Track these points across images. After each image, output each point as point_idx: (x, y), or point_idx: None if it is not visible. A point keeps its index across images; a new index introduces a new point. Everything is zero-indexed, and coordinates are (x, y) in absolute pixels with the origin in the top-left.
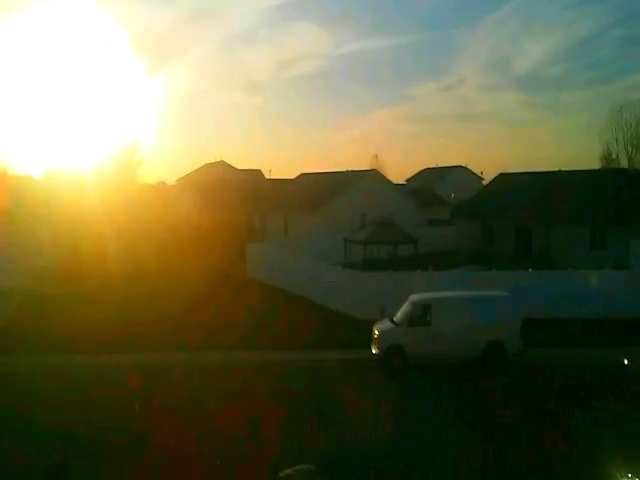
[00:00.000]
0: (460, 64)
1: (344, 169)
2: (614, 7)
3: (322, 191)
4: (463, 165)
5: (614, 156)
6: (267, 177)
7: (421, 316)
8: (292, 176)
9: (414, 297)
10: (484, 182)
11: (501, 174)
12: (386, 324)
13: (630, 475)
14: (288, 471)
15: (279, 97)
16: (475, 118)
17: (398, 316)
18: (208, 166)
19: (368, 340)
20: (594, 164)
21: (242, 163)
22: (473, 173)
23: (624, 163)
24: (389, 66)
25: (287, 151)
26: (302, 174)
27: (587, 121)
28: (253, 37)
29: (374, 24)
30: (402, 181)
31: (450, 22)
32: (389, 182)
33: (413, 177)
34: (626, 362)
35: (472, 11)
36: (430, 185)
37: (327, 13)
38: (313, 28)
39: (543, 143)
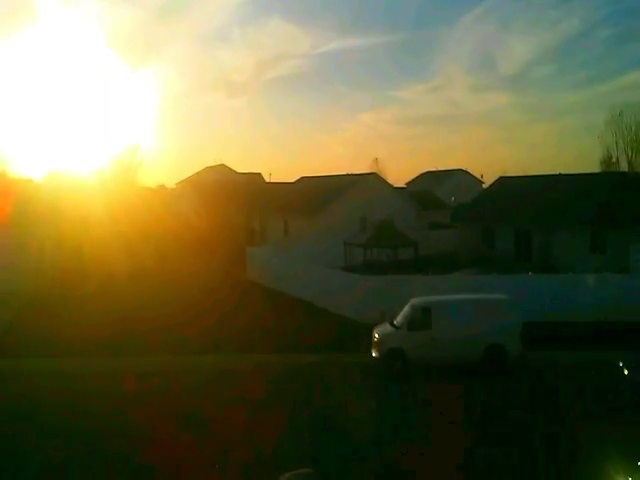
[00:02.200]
0: (445, 64)
1: (344, 172)
2: (597, 6)
3: (322, 194)
4: (463, 168)
5: (614, 160)
6: (267, 180)
7: (421, 319)
8: (292, 179)
9: (414, 300)
10: (484, 185)
11: (501, 177)
12: (386, 327)
13: (630, 479)
14: (288, 475)
15: (261, 99)
16: (465, 120)
17: (398, 319)
18: (208, 169)
19: (368, 343)
20: (591, 166)
21: (242, 166)
22: (473, 176)
23: (624, 167)
24: (371, 66)
25: (274, 153)
26: (302, 177)
27: (581, 123)
28: (227, 36)
29: (347, 22)
30: (402, 184)
31: (429, 20)
32: (389, 185)
33: (413, 180)
34: (626, 372)
35: (451, 8)
36: (430, 188)
37: (297, 10)
38: (286, 26)
39: (538, 145)
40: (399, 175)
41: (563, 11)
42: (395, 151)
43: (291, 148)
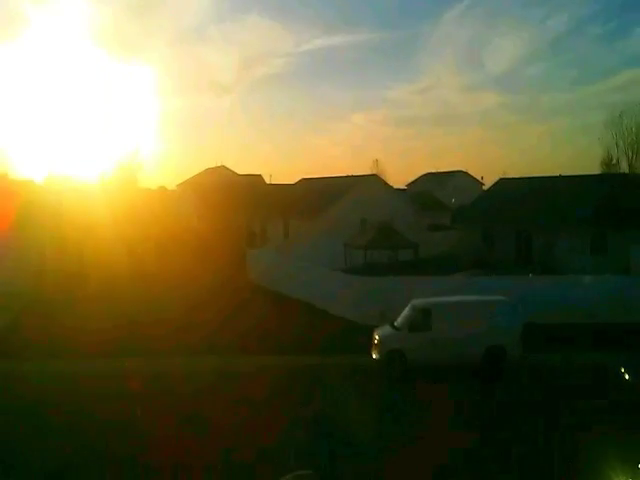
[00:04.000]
0: (433, 63)
1: (344, 174)
2: (586, 2)
3: (322, 196)
4: (463, 170)
5: (614, 161)
6: (267, 182)
7: (422, 321)
8: (292, 181)
9: (415, 302)
10: (484, 187)
11: (501, 179)
12: (386, 329)
13: None
14: (287, 476)
15: (251, 98)
16: (458, 121)
17: (399, 321)
18: (208, 171)
19: (369, 345)
20: (588, 166)
21: (241, 167)
22: (473, 178)
23: (624, 168)
24: (358, 65)
25: (271, 154)
26: (302, 179)
27: (576, 123)
28: (207, 35)
29: (330, 19)
30: (402, 186)
31: (413, 17)
32: (389, 187)
33: (413, 182)
34: (627, 377)
35: (435, 4)
36: (430, 190)
37: (275, 6)
38: (266, 23)
39: (534, 146)
40: (399, 177)
41: (550, 7)
42: (390, 152)
43: (287, 149)
